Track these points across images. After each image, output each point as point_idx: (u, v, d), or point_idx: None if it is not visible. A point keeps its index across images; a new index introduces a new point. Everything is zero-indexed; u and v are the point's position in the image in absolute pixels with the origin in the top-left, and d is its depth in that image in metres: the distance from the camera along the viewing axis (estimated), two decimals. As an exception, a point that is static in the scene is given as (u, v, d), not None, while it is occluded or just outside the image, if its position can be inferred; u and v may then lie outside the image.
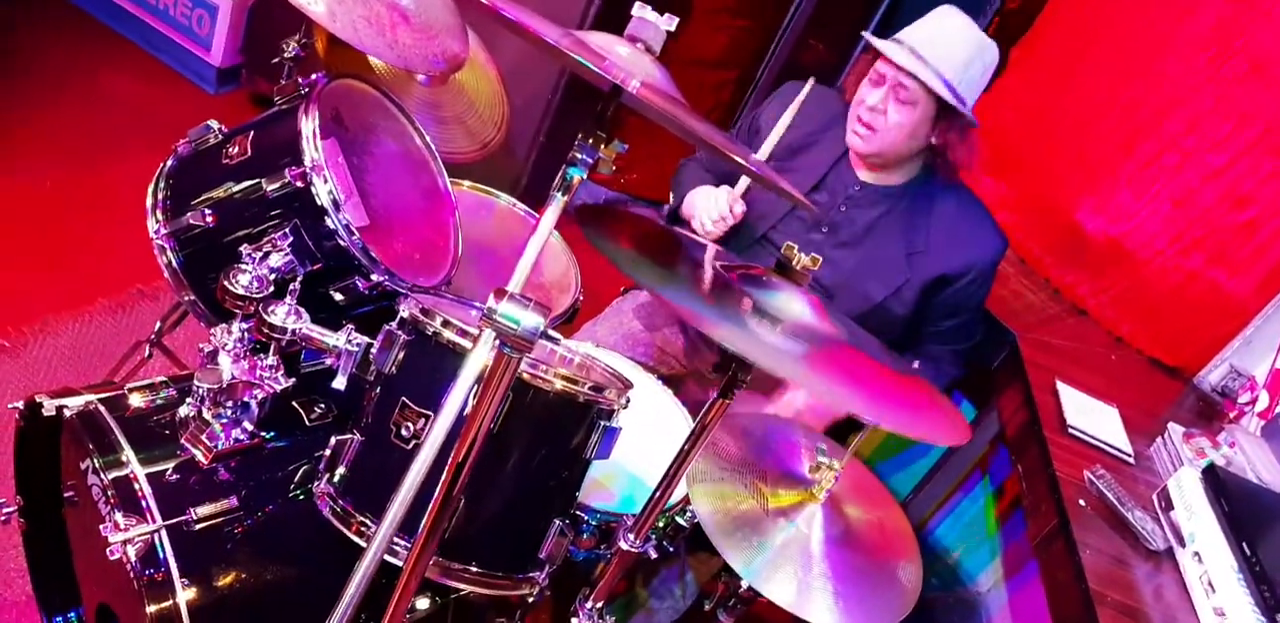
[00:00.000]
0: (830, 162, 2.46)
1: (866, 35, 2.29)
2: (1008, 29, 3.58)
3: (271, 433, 1.80)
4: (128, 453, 1.68)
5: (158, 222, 1.99)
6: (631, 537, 1.61)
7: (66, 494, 1.93)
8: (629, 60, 1.49)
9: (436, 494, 1.30)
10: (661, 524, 1.88)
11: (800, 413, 2.40)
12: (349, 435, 1.58)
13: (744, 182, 2.48)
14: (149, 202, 2.02)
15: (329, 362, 1.66)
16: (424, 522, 1.33)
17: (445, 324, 1.52)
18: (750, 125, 2.59)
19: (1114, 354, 2.90)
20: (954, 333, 2.51)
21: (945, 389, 2.61)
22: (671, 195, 2.68)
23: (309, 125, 1.89)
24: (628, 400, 1.65)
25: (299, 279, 1.73)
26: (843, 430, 2.45)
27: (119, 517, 1.59)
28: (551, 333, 1.93)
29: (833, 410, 2.42)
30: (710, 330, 1.40)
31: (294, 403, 1.88)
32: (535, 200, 2.68)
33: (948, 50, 2.19)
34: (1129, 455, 2.36)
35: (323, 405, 1.91)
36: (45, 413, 1.75)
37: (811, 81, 2.54)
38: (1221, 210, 2.74)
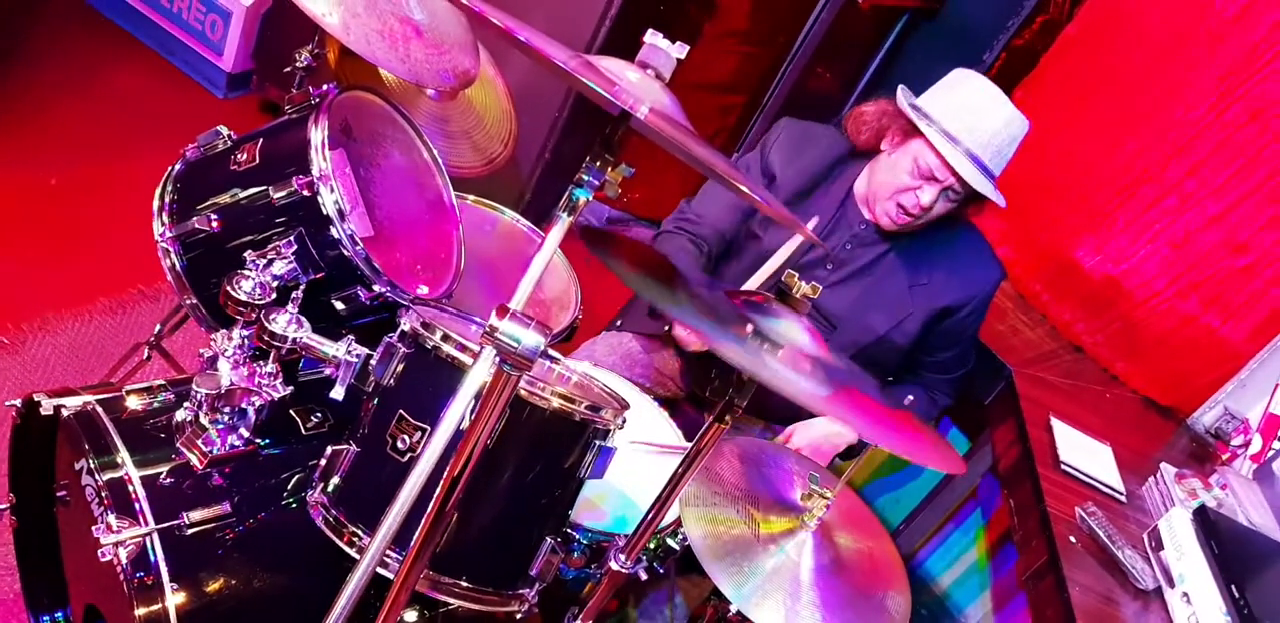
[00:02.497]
0: (836, 204, 2.46)
1: (919, 122, 2.20)
2: (1013, 65, 3.61)
3: (267, 440, 1.80)
4: (123, 455, 1.67)
5: (163, 225, 2.00)
6: (622, 557, 1.61)
7: (59, 494, 1.93)
8: (639, 86, 1.50)
9: (430, 508, 1.31)
10: (652, 546, 1.88)
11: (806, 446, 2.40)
12: (345, 446, 1.58)
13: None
14: (155, 204, 2.02)
15: (327, 371, 1.66)
16: (416, 535, 1.33)
17: (445, 338, 1.53)
18: (763, 171, 2.53)
19: (1109, 392, 2.92)
20: (951, 362, 2.53)
21: (935, 416, 2.62)
22: None
23: (318, 136, 1.90)
24: (624, 420, 1.65)
25: (301, 288, 1.74)
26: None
27: (111, 518, 1.59)
28: (551, 352, 1.93)
29: (834, 448, 2.41)
30: (716, 346, 1.40)
31: (291, 411, 1.88)
32: (538, 217, 2.70)
33: (999, 148, 2.19)
34: (1121, 494, 2.37)
35: (319, 414, 1.91)
36: (43, 411, 1.75)
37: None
38: (1219, 256, 2.76)
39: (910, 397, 1.78)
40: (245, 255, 1.82)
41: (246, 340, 1.75)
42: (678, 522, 1.84)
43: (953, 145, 2.18)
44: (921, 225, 2.36)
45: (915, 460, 1.58)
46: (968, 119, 2.19)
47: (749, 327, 1.52)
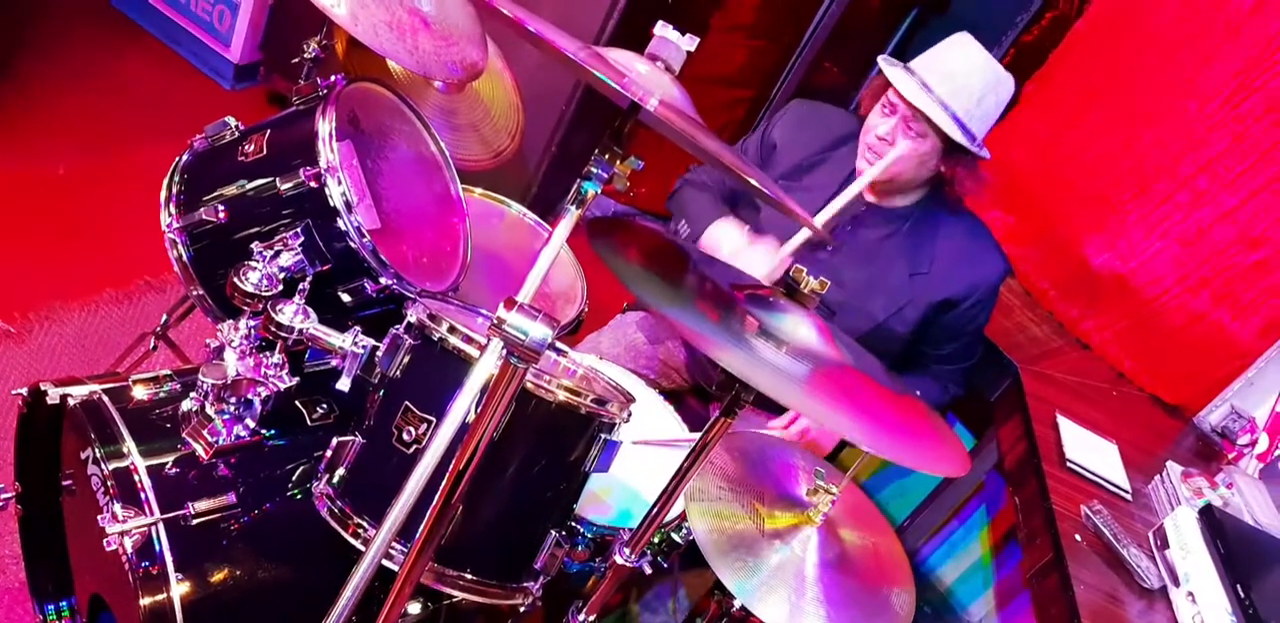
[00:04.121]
0: (839, 181, 2.45)
1: (881, 60, 2.28)
2: (1023, 61, 3.59)
3: (273, 431, 1.80)
4: (129, 444, 1.67)
5: (170, 215, 2.00)
6: (627, 551, 1.61)
7: (65, 483, 1.93)
8: (648, 78, 1.50)
9: (435, 501, 1.31)
10: (657, 540, 1.88)
11: (806, 434, 2.40)
12: (350, 437, 1.58)
13: (796, 240, 2.33)
14: (163, 195, 2.02)
15: (334, 362, 1.66)
16: (421, 528, 1.33)
17: (451, 330, 1.52)
18: (763, 140, 2.58)
19: (1115, 390, 2.90)
20: (957, 354, 2.51)
21: (947, 406, 2.60)
22: (675, 220, 2.60)
23: (326, 127, 1.90)
24: (629, 414, 1.65)
25: (308, 279, 1.74)
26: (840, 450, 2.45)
27: (117, 508, 1.59)
28: (558, 345, 1.93)
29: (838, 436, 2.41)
30: (712, 352, 1.40)
31: (297, 402, 1.88)
32: (544, 209, 2.69)
33: (961, 84, 2.17)
34: (1126, 492, 2.36)
35: (325, 406, 1.91)
36: (49, 401, 1.75)
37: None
38: (1232, 251, 2.74)
39: (918, 392, 1.77)
40: (252, 246, 1.82)
41: (253, 331, 1.74)
42: (682, 516, 1.84)
43: (899, 70, 2.21)
44: (899, 178, 2.32)
45: (910, 466, 1.57)
46: (928, 59, 2.24)
47: (753, 323, 1.52)
